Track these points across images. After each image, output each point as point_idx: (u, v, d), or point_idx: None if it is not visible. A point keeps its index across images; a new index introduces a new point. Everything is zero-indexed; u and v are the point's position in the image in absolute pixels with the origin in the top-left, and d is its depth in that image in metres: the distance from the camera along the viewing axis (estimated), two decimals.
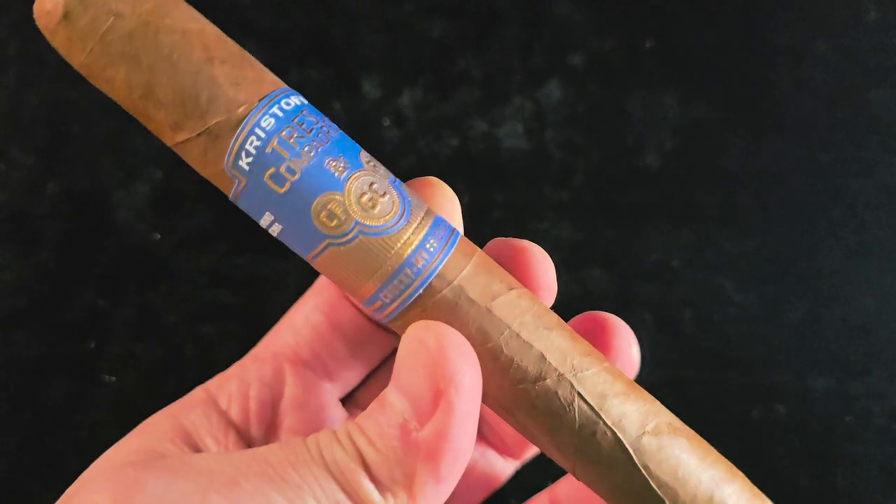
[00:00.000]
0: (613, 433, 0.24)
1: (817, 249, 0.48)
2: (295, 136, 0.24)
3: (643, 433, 0.24)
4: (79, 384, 0.45)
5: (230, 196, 0.24)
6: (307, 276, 0.46)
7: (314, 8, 0.50)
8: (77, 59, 0.24)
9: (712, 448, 0.26)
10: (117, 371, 0.45)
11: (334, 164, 0.24)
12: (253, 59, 0.25)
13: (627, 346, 0.29)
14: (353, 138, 0.26)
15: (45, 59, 0.49)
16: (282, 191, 0.24)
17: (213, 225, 0.47)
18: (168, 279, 0.46)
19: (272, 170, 0.23)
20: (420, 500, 0.23)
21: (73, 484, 0.24)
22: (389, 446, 0.23)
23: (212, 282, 0.46)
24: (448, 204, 0.27)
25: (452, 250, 0.24)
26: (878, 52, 0.50)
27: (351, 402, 0.31)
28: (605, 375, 0.25)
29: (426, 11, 0.50)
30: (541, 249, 0.28)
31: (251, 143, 0.23)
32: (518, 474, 0.32)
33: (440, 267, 0.24)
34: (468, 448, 0.23)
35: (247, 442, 0.28)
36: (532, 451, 0.32)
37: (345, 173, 0.24)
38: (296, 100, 0.24)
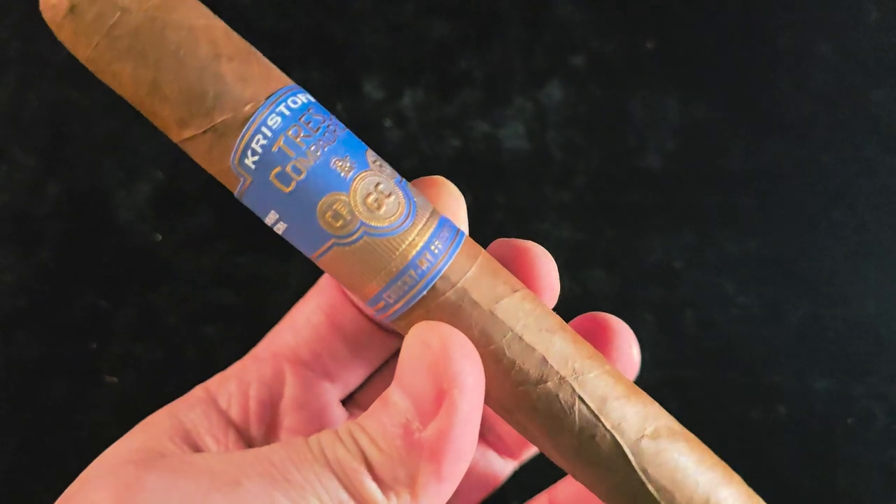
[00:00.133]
0: (612, 436, 0.24)
1: (818, 250, 0.48)
2: (301, 135, 0.24)
3: (642, 437, 0.24)
4: (80, 385, 0.45)
5: (235, 193, 0.24)
6: (309, 275, 0.46)
7: (315, 8, 0.50)
8: (83, 53, 0.24)
9: (710, 451, 0.26)
10: (118, 372, 0.45)
11: (340, 163, 0.24)
12: (260, 55, 0.25)
13: (628, 347, 0.29)
14: None
15: (47, 60, 0.49)
16: (287, 190, 0.24)
17: (215, 225, 0.47)
18: (169, 279, 0.46)
19: (278, 169, 0.23)
20: (423, 499, 0.23)
21: (73, 483, 0.24)
22: (392, 446, 0.23)
23: (213, 282, 0.46)
24: (454, 203, 0.27)
25: (457, 252, 0.24)
26: (879, 52, 0.51)
27: (351, 403, 0.31)
28: (607, 378, 0.25)
29: (427, 12, 0.50)
30: (543, 250, 0.28)
31: (257, 142, 0.23)
32: (519, 475, 0.32)
33: (444, 269, 0.24)
34: (470, 448, 0.23)
35: (246, 441, 0.28)
36: (531, 451, 0.32)
37: (351, 173, 0.24)
38: (303, 97, 0.24)
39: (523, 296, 0.25)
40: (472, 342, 0.24)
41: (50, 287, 0.46)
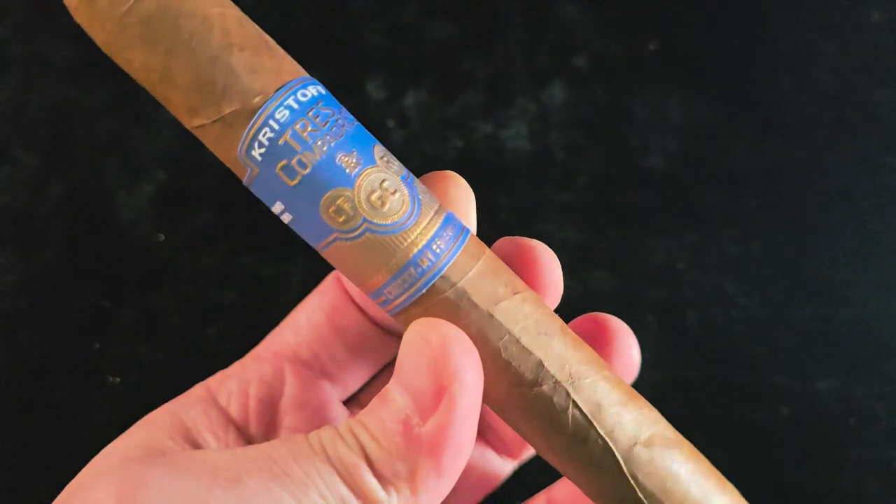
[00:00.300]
0: (605, 442, 0.24)
1: (820, 250, 0.48)
2: (309, 129, 0.24)
3: (635, 443, 0.24)
4: (81, 385, 0.45)
5: (244, 181, 0.24)
6: (311, 276, 0.46)
7: (317, 9, 0.50)
8: (98, 37, 0.24)
9: (706, 460, 0.26)
10: (120, 372, 0.45)
11: (346, 159, 0.24)
12: (273, 45, 0.25)
13: (628, 348, 0.29)
14: None
15: (48, 60, 0.49)
16: (292, 183, 0.24)
17: (216, 225, 0.47)
18: (171, 280, 0.46)
19: (284, 162, 0.24)
20: (422, 494, 0.23)
21: (74, 480, 0.24)
22: (392, 441, 0.23)
23: (215, 282, 0.46)
24: (463, 198, 0.27)
25: (460, 251, 0.24)
26: (882, 53, 0.50)
27: (354, 403, 0.31)
28: (604, 384, 0.25)
29: (430, 13, 0.50)
30: (548, 249, 0.28)
31: (264, 135, 0.23)
32: (522, 474, 0.32)
33: (445, 269, 0.24)
34: (469, 443, 0.24)
35: (246, 439, 0.28)
36: (530, 451, 0.32)
37: (356, 169, 0.24)
38: (313, 90, 0.24)
39: (524, 298, 0.25)
40: None
41: (52, 287, 0.46)
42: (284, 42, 0.25)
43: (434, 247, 0.24)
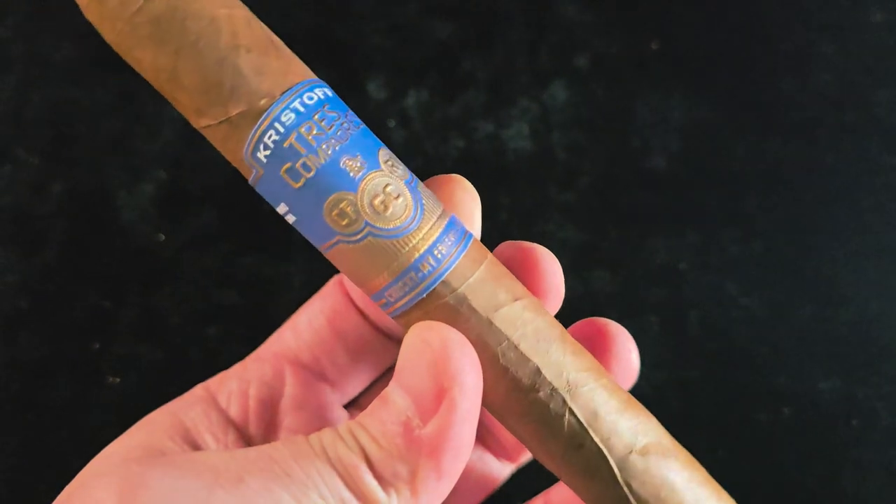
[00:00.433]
0: (600, 449, 0.24)
1: (822, 251, 0.48)
2: (314, 132, 0.24)
3: (631, 451, 0.25)
4: (82, 385, 0.45)
5: (249, 181, 0.24)
6: (312, 276, 0.46)
7: (318, 9, 0.50)
8: (108, 36, 0.24)
9: (703, 469, 0.26)
10: (121, 372, 0.45)
11: (351, 163, 0.24)
12: (281, 46, 0.25)
13: (627, 353, 0.29)
14: None
15: (49, 60, 0.49)
16: (296, 186, 0.24)
17: (217, 225, 0.47)
18: (172, 280, 0.46)
19: (288, 165, 0.24)
20: (422, 495, 0.23)
21: (74, 480, 0.24)
22: (392, 443, 0.23)
23: (216, 283, 0.46)
24: (468, 202, 0.27)
25: (461, 256, 0.25)
26: (883, 53, 0.50)
27: (354, 406, 0.31)
28: (601, 392, 0.25)
29: (431, 13, 0.50)
30: (549, 252, 0.28)
31: (269, 137, 0.24)
32: (522, 476, 0.32)
33: (446, 274, 0.24)
34: (469, 445, 0.24)
35: (246, 441, 0.28)
36: (528, 455, 0.32)
37: (360, 173, 0.24)
38: (320, 92, 0.24)
39: (524, 305, 0.25)
40: None
41: (52, 287, 0.46)
42: (285, 42, 0.25)
43: (436, 252, 0.24)
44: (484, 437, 0.31)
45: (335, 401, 0.30)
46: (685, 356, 0.46)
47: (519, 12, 0.50)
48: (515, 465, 0.32)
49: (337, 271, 0.26)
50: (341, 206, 0.24)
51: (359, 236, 0.24)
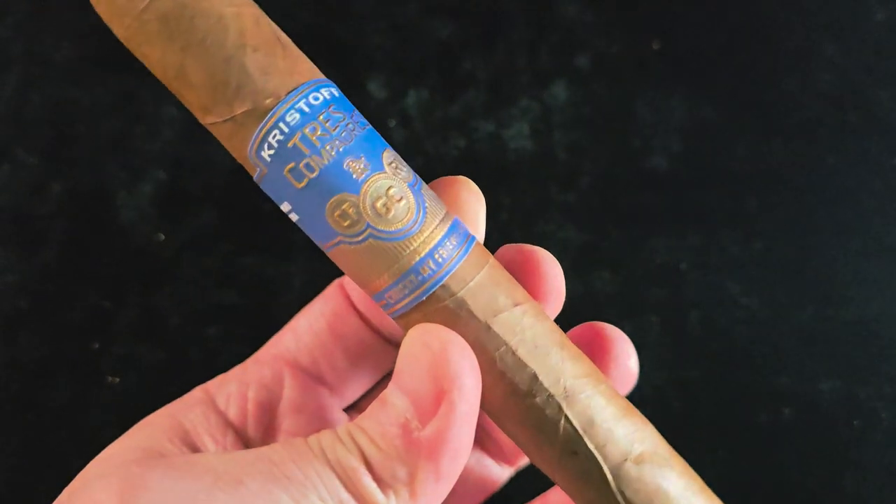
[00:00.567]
0: (594, 457, 0.25)
1: (823, 251, 0.47)
2: (319, 132, 0.24)
3: (625, 459, 0.25)
4: (82, 385, 0.45)
5: (254, 178, 0.25)
6: (313, 276, 0.46)
7: (318, 9, 0.50)
8: (117, 31, 0.24)
9: (698, 478, 0.26)
10: (121, 373, 0.45)
11: (354, 164, 0.24)
12: (289, 44, 0.25)
13: (626, 357, 0.29)
14: None
15: (49, 59, 0.49)
16: (300, 186, 0.24)
17: (217, 225, 0.47)
18: (172, 280, 0.46)
19: (292, 165, 0.24)
20: (421, 497, 0.23)
21: (73, 482, 0.24)
22: (391, 445, 0.23)
23: (216, 283, 0.46)
24: (474, 203, 0.27)
25: (462, 261, 0.25)
26: (885, 53, 0.50)
27: (355, 410, 0.31)
28: (599, 399, 0.25)
29: (431, 12, 0.50)
30: (550, 255, 0.28)
31: (274, 137, 0.24)
32: (518, 481, 0.32)
33: (445, 278, 0.24)
34: (468, 447, 0.24)
35: (244, 443, 0.28)
36: (526, 458, 0.32)
37: (363, 175, 0.24)
38: (326, 93, 0.25)
39: (524, 310, 0.25)
40: None
41: (52, 287, 0.46)
42: None
43: (436, 255, 0.24)
44: (483, 441, 0.31)
45: (335, 404, 0.30)
46: (686, 356, 0.46)
47: (520, 12, 0.50)
48: (514, 468, 0.32)
49: (338, 272, 0.26)
50: (343, 207, 0.24)
51: (360, 238, 0.24)
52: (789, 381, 0.45)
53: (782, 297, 0.47)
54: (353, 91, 0.49)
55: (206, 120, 0.24)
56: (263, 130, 0.24)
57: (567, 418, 0.24)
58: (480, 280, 0.25)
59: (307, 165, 0.24)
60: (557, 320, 0.29)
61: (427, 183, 0.27)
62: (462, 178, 0.27)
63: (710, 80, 0.50)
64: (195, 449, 0.27)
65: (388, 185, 0.24)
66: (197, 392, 0.29)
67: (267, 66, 0.24)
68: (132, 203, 0.47)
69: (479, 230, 0.27)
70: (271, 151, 0.24)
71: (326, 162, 0.24)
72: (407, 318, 0.25)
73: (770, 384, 0.45)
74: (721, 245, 0.47)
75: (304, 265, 0.46)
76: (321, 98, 0.24)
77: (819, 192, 0.48)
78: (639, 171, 0.48)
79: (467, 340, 0.24)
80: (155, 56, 0.24)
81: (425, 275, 0.24)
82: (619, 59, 0.50)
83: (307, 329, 0.30)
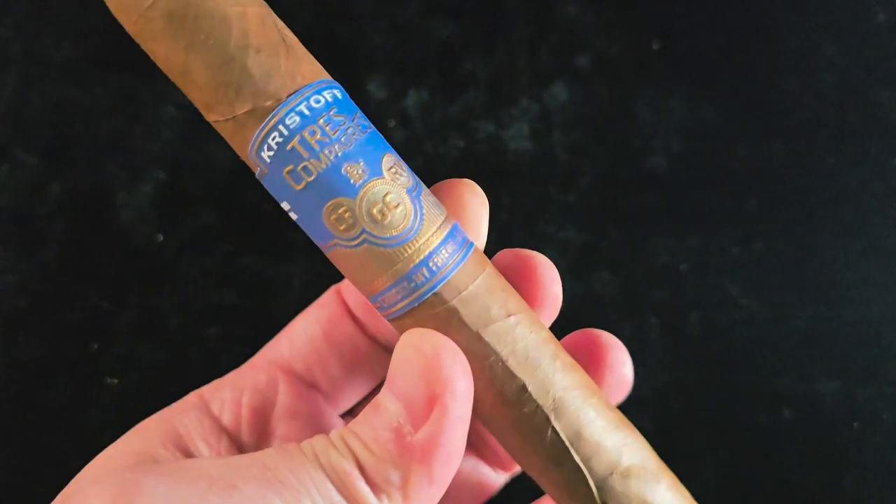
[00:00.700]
0: (579, 469, 0.25)
1: (823, 252, 0.47)
2: (318, 136, 0.24)
3: (612, 473, 0.25)
4: (81, 386, 0.44)
5: (256, 176, 0.25)
6: (312, 277, 0.46)
7: (318, 8, 0.50)
8: (126, 25, 0.24)
9: (686, 492, 0.26)
10: (120, 373, 0.45)
11: (352, 169, 0.24)
12: (294, 45, 0.25)
13: (621, 365, 0.29)
14: None
15: (48, 59, 0.49)
16: (298, 188, 0.24)
17: (217, 226, 0.47)
18: (171, 280, 0.46)
19: (290, 167, 0.24)
20: (414, 500, 0.24)
21: (68, 487, 0.24)
22: (384, 449, 0.23)
23: (215, 283, 0.46)
24: (477, 207, 0.28)
25: (457, 269, 0.25)
26: (885, 54, 0.50)
27: (349, 416, 0.32)
28: (588, 412, 0.25)
29: (431, 12, 0.50)
30: (547, 261, 0.28)
31: (273, 139, 0.24)
32: (513, 487, 0.32)
33: (439, 286, 0.24)
34: (460, 451, 0.24)
35: (238, 448, 0.29)
36: None
37: (361, 181, 0.24)
38: (328, 95, 0.25)
39: (518, 320, 0.25)
40: None
41: (51, 287, 0.46)
42: None
43: (430, 263, 0.24)
44: (478, 447, 0.32)
45: (330, 410, 0.30)
46: (686, 357, 0.46)
47: (520, 12, 0.50)
48: (510, 474, 0.32)
49: (338, 272, 0.26)
50: (340, 211, 0.24)
51: (356, 242, 0.24)
52: (789, 382, 0.45)
53: (782, 298, 0.47)
54: (353, 91, 0.49)
55: (209, 117, 0.25)
56: (263, 132, 0.24)
57: (554, 430, 0.25)
58: (474, 289, 0.25)
59: (305, 168, 0.24)
60: (557, 321, 0.29)
61: (431, 184, 0.27)
62: (466, 180, 0.28)
63: (710, 81, 0.50)
64: (189, 454, 0.27)
65: (386, 190, 0.24)
66: (191, 397, 0.29)
67: (269, 68, 0.24)
68: (132, 203, 0.47)
69: (482, 233, 0.28)
70: (270, 153, 0.24)
71: (324, 166, 0.24)
72: (401, 322, 0.25)
73: (770, 385, 0.45)
74: (721, 246, 0.47)
75: (303, 265, 0.46)
76: (322, 101, 0.24)
77: (819, 193, 0.48)
78: (639, 172, 0.48)
79: (459, 347, 0.24)
80: (161, 53, 0.24)
81: (419, 282, 0.24)
82: (619, 60, 0.50)
83: (302, 335, 0.30)
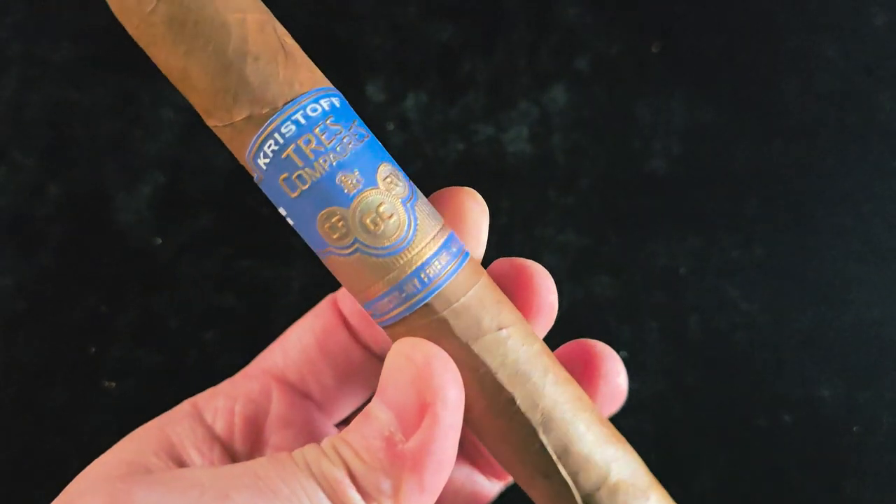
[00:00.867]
0: (566, 483, 0.25)
1: (823, 255, 0.47)
2: (313, 145, 0.24)
3: (599, 488, 0.25)
4: (80, 389, 0.44)
5: (255, 180, 0.25)
6: (311, 280, 0.46)
7: (317, 10, 0.50)
8: (129, 29, 0.25)
9: None
10: (118, 377, 0.44)
11: (346, 179, 0.24)
12: (293, 52, 0.25)
13: (615, 375, 0.29)
14: None
15: (47, 60, 0.49)
16: (293, 195, 0.24)
17: (216, 228, 0.47)
18: (170, 283, 0.46)
19: (286, 175, 0.24)
20: None
21: (61, 495, 0.25)
22: (375, 458, 0.23)
23: (214, 286, 0.46)
24: (477, 215, 0.27)
25: (450, 280, 0.25)
26: (885, 55, 0.50)
27: (343, 425, 0.32)
28: (578, 426, 0.25)
29: (431, 14, 0.50)
30: (543, 269, 0.28)
31: (269, 147, 0.24)
32: (509, 496, 0.32)
33: (430, 297, 0.25)
34: (451, 459, 0.24)
35: (231, 457, 0.29)
36: None
37: (355, 190, 0.24)
38: (325, 103, 0.25)
39: (509, 333, 0.25)
40: None
41: (49, 290, 0.46)
42: None
43: (422, 274, 0.24)
44: (473, 456, 0.32)
45: (324, 419, 0.30)
46: (685, 361, 0.46)
47: (519, 14, 0.50)
48: (504, 483, 0.32)
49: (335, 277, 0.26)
50: (333, 220, 0.24)
51: (349, 251, 0.24)
52: (789, 386, 0.45)
53: (782, 302, 0.47)
54: (352, 94, 0.48)
55: (208, 122, 0.25)
56: (260, 139, 0.24)
57: (542, 443, 0.25)
58: (466, 301, 0.25)
59: (300, 177, 0.24)
60: (555, 324, 0.29)
61: (430, 187, 0.27)
62: (466, 188, 0.28)
63: (710, 82, 0.50)
64: (182, 463, 0.27)
65: (380, 201, 0.24)
66: (185, 405, 0.29)
67: (267, 75, 0.24)
68: (131, 205, 0.47)
69: (481, 242, 0.28)
70: (267, 160, 0.24)
71: (319, 175, 0.24)
72: (394, 330, 0.25)
73: (770, 389, 0.45)
74: (721, 249, 0.47)
75: (302, 269, 0.46)
76: (319, 110, 0.25)
77: (819, 195, 0.48)
78: (639, 175, 0.48)
79: (450, 357, 0.25)
80: (161, 57, 0.24)
81: (410, 292, 0.24)
82: (618, 62, 0.50)
83: (296, 344, 0.30)
